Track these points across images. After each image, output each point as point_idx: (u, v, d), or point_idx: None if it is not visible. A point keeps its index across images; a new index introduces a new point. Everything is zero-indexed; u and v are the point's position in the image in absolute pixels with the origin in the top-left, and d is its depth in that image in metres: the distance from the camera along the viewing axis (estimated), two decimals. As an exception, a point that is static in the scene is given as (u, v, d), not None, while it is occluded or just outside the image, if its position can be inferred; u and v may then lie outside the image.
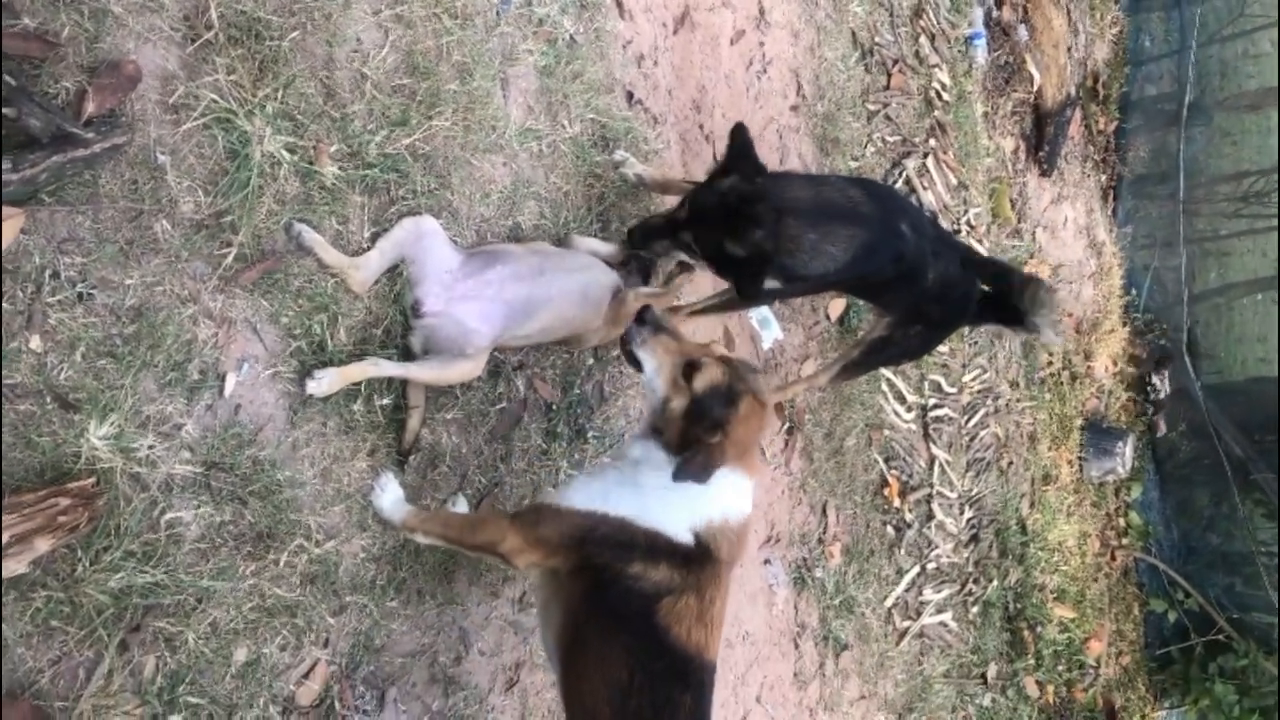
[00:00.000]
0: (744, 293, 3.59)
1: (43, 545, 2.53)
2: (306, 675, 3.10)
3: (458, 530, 3.13)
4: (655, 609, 2.74)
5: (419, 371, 3.29)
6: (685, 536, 2.81)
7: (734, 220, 3.44)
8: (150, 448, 2.79)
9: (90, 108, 2.62)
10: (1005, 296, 4.23)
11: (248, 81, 2.96)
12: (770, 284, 3.58)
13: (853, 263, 3.58)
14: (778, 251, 3.46)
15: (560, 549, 2.88)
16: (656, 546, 2.79)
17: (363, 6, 3.27)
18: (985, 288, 4.26)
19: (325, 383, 3.12)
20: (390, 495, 3.26)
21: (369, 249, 3.24)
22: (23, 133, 2.49)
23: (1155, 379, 8.49)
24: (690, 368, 2.91)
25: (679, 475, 2.75)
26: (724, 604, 2.88)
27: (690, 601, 2.76)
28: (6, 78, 2.41)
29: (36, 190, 2.55)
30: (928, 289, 3.91)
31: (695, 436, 2.84)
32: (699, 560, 2.81)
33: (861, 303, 5.35)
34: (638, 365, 3.07)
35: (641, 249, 3.74)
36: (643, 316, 3.07)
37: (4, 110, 2.42)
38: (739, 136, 3.51)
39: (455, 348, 3.29)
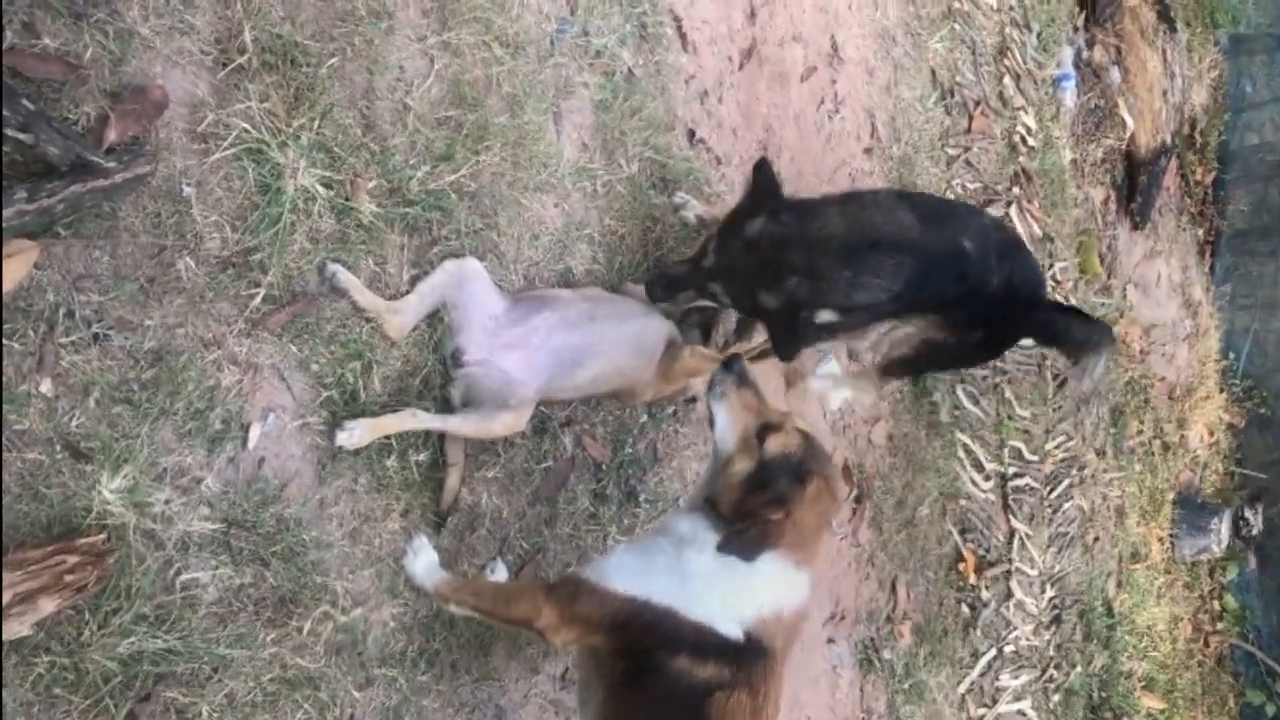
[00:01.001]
0: (782, 350, 3.51)
1: (47, 606, 2.48)
2: (324, 752, 3.02)
3: (491, 602, 3.04)
4: (705, 705, 2.66)
5: (459, 424, 3.21)
6: (735, 632, 2.71)
7: (766, 268, 3.36)
8: (166, 502, 2.75)
9: (112, 135, 2.59)
10: (1071, 322, 4.08)
11: (282, 110, 2.93)
12: (823, 317, 3.48)
13: (906, 289, 3.48)
14: (816, 295, 3.38)
15: (599, 629, 2.81)
16: (704, 642, 2.70)
17: (406, 32, 3.25)
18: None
19: (357, 434, 3.05)
20: (424, 560, 3.18)
21: (407, 292, 3.19)
22: (40, 160, 2.45)
23: (1249, 513, 8.26)
24: (766, 429, 2.83)
25: (725, 547, 2.67)
26: (779, 697, 2.80)
27: (743, 698, 2.68)
28: (24, 101, 2.38)
29: (53, 222, 2.52)
30: (992, 296, 3.75)
31: (752, 508, 2.74)
32: (751, 655, 2.72)
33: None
34: (711, 419, 2.99)
35: (663, 301, 3.62)
36: (729, 364, 3.00)
37: (21, 137, 2.39)
38: (762, 171, 3.43)
39: (498, 399, 3.22)
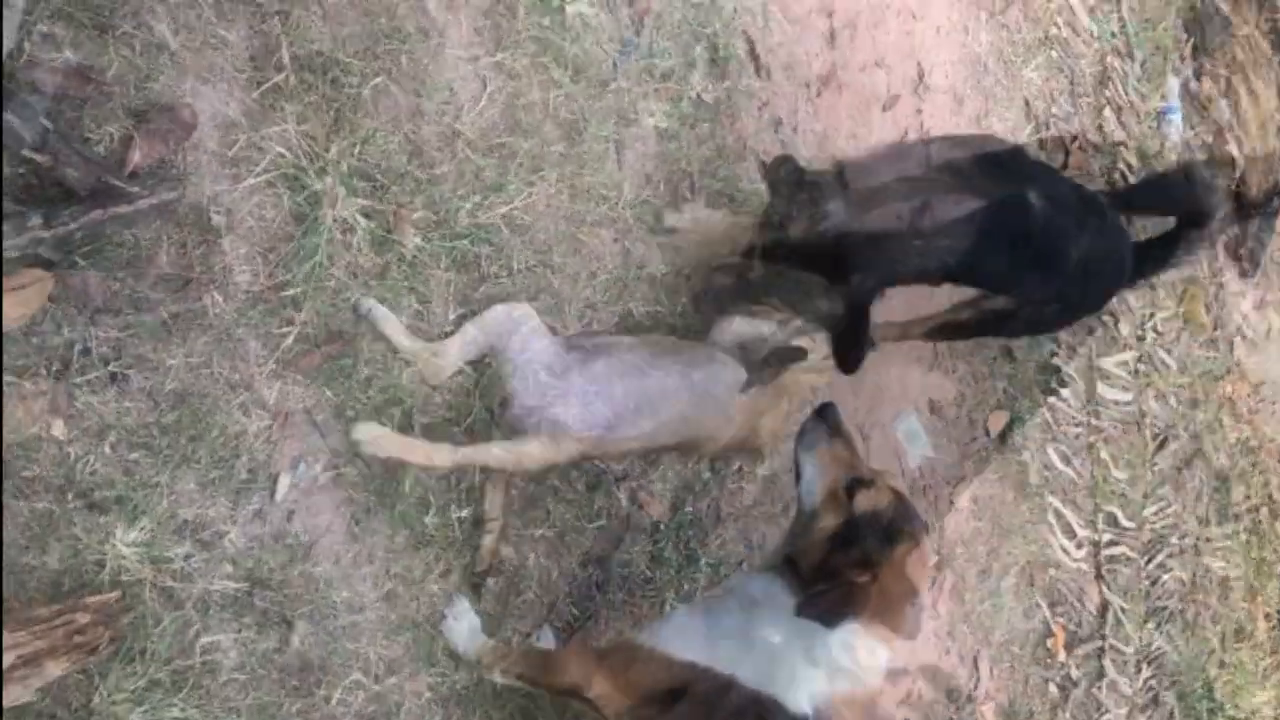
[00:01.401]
0: (848, 359, 3.45)
1: (54, 669, 2.46)
2: (349, 838, 2.99)
3: (538, 669, 3.00)
4: None
5: (486, 452, 3.12)
6: (804, 708, 2.63)
7: (824, 268, 3.30)
8: (186, 558, 2.73)
9: (137, 157, 2.58)
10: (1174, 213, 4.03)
11: (321, 134, 2.91)
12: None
13: (968, 252, 3.36)
14: (883, 283, 3.35)
15: (655, 701, 2.73)
16: (767, 717, 2.63)
17: (457, 52, 3.23)
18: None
19: (382, 444, 3.00)
20: (465, 625, 3.13)
21: (451, 333, 3.14)
22: (58, 184, 2.46)
23: None
24: (855, 484, 2.78)
25: (804, 610, 2.61)
26: None
27: None
28: (43, 120, 2.39)
29: (70, 251, 2.51)
30: (1070, 272, 3.58)
31: (837, 568, 2.68)
32: None
33: (1026, 417, 5.19)
34: (799, 471, 2.95)
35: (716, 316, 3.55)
36: (823, 412, 2.98)
37: (38, 158, 2.41)
38: (781, 171, 3.30)
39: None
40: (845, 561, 2.68)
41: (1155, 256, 4.03)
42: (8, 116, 2.30)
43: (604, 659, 2.84)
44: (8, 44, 2.34)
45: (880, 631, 2.68)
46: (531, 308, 3.22)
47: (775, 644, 2.69)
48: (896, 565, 2.69)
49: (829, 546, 2.74)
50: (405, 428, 3.07)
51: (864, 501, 2.74)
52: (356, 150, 2.97)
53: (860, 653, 2.67)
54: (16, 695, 2.39)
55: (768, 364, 3.59)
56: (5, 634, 2.36)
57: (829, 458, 2.87)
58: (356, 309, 2.98)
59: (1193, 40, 6.60)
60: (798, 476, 2.94)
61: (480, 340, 3.16)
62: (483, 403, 3.20)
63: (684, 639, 2.77)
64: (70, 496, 2.57)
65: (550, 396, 3.12)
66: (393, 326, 3.00)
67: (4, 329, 2.44)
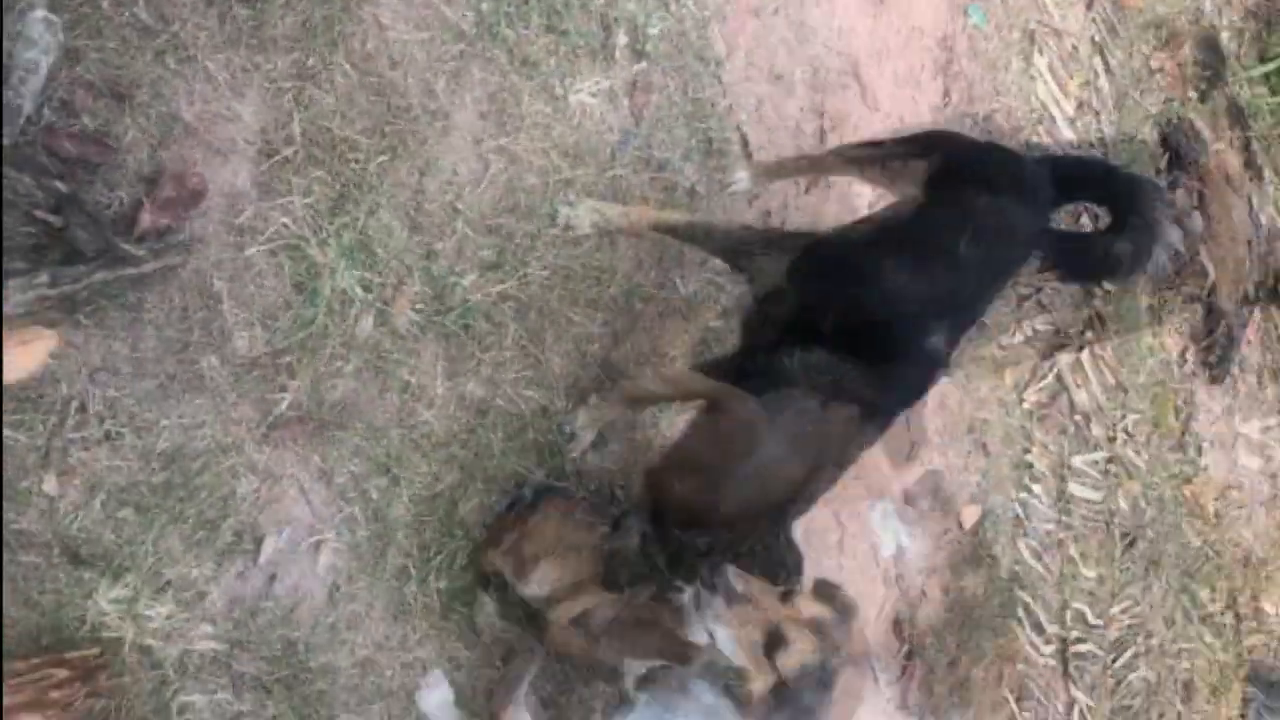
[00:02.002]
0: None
1: None
2: None
3: None
4: None
5: None
6: None
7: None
8: (168, 617, 2.72)
9: (146, 222, 2.61)
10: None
11: (325, 207, 2.94)
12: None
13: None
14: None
15: None
16: None
17: (463, 134, 3.25)
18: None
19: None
20: (438, 697, 3.10)
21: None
22: (68, 244, 2.46)
23: None
24: (775, 642, 2.53)
25: None
26: None
27: None
28: (57, 183, 2.42)
29: (74, 310, 2.52)
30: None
31: None
32: None
33: (999, 511, 5.20)
34: (711, 634, 2.65)
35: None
36: (713, 581, 2.63)
37: (50, 219, 2.43)
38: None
39: None
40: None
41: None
42: (25, 179, 2.32)
43: None
44: (28, 109, 2.37)
45: None
46: None
47: None
48: (838, 702, 2.55)
49: (768, 705, 2.55)
50: (393, 497, 3.08)
51: (789, 662, 2.51)
52: (359, 224, 3.00)
53: None
54: None
55: None
56: None
57: (736, 623, 2.58)
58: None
59: (1168, 155, 6.71)
60: (710, 636, 2.65)
61: None
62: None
63: None
64: (56, 551, 2.56)
65: None
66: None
67: (6, 383, 2.44)
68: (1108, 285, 3.89)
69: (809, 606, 2.64)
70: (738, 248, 3.38)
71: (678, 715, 2.67)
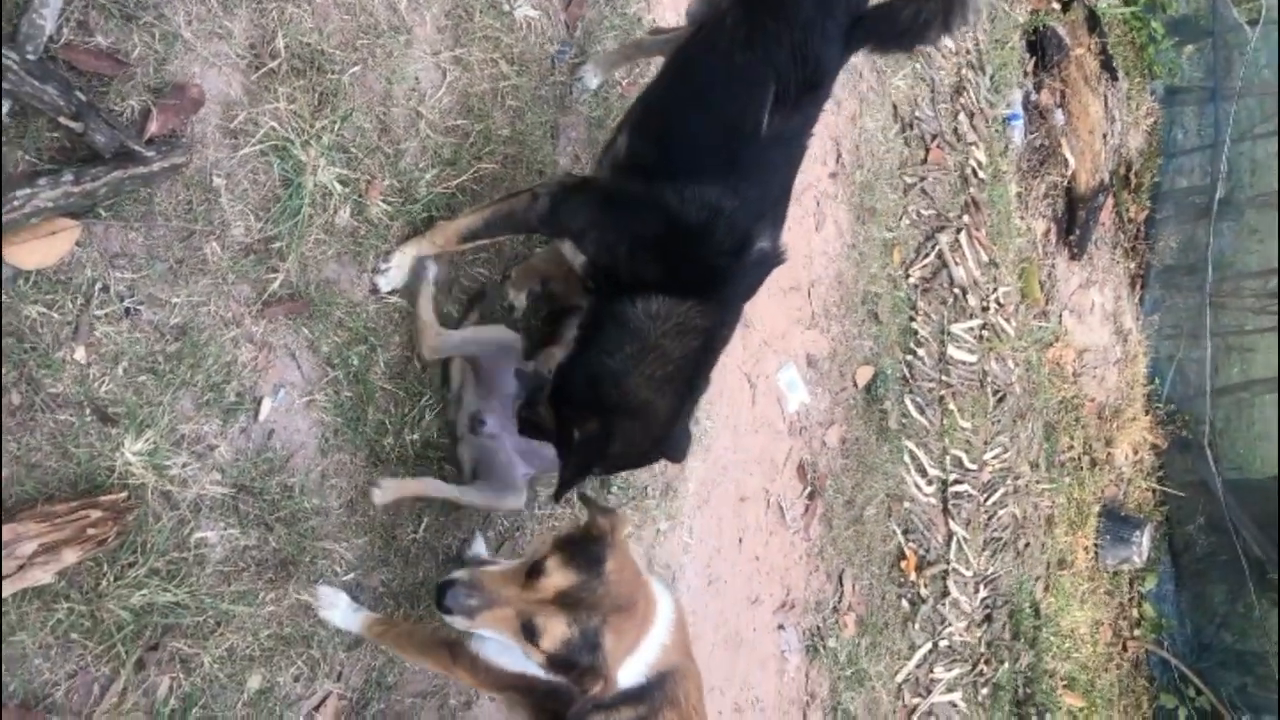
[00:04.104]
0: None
1: (70, 557, 2.53)
2: (318, 708, 3.08)
3: (407, 650, 3.03)
4: None
5: (472, 497, 3.32)
6: (635, 680, 2.57)
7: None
8: (183, 466, 2.80)
9: (153, 127, 2.66)
10: None
11: (307, 112, 3.00)
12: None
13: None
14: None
15: (506, 690, 2.78)
16: (609, 699, 2.54)
17: (423, 47, 3.32)
18: None
19: (389, 492, 3.19)
20: (341, 607, 3.10)
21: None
22: (87, 147, 2.53)
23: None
24: (530, 632, 2.46)
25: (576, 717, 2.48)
26: (700, 687, 2.76)
27: (668, 714, 2.61)
28: (77, 93, 2.45)
29: (95, 204, 2.58)
30: None
31: (573, 687, 2.50)
32: (659, 684, 2.60)
33: (888, 371, 5.40)
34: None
35: None
36: (449, 605, 2.48)
37: (72, 125, 2.46)
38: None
39: (503, 476, 3.32)
40: (576, 682, 2.48)
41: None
42: (49, 89, 2.39)
43: (456, 659, 2.79)
44: (50, 28, 2.42)
45: (634, 638, 2.55)
46: (519, 339, 3.35)
47: None
48: (610, 649, 2.46)
49: (557, 671, 2.51)
50: (371, 363, 3.19)
51: (549, 643, 2.44)
52: (336, 127, 3.07)
53: (647, 642, 2.57)
54: (37, 578, 2.47)
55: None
56: (31, 525, 2.45)
57: (493, 622, 2.49)
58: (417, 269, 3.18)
59: (1035, 59, 6.84)
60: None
61: (474, 347, 3.30)
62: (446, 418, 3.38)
63: (503, 654, 2.69)
64: (88, 411, 2.63)
65: (509, 425, 3.28)
66: (426, 298, 3.17)
67: (39, 269, 2.52)
68: (923, 46, 3.62)
69: (555, 578, 2.48)
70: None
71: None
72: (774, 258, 2.98)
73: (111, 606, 2.65)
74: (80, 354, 2.63)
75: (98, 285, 2.64)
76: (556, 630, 2.43)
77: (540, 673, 2.56)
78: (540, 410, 3.03)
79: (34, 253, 2.51)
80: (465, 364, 3.40)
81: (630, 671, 2.54)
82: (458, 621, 2.49)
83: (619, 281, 2.90)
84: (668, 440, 3.01)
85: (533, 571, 2.48)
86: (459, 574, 2.53)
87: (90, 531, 2.57)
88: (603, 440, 2.87)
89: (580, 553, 2.51)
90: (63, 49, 2.53)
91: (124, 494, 2.68)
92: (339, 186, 3.07)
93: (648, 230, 2.87)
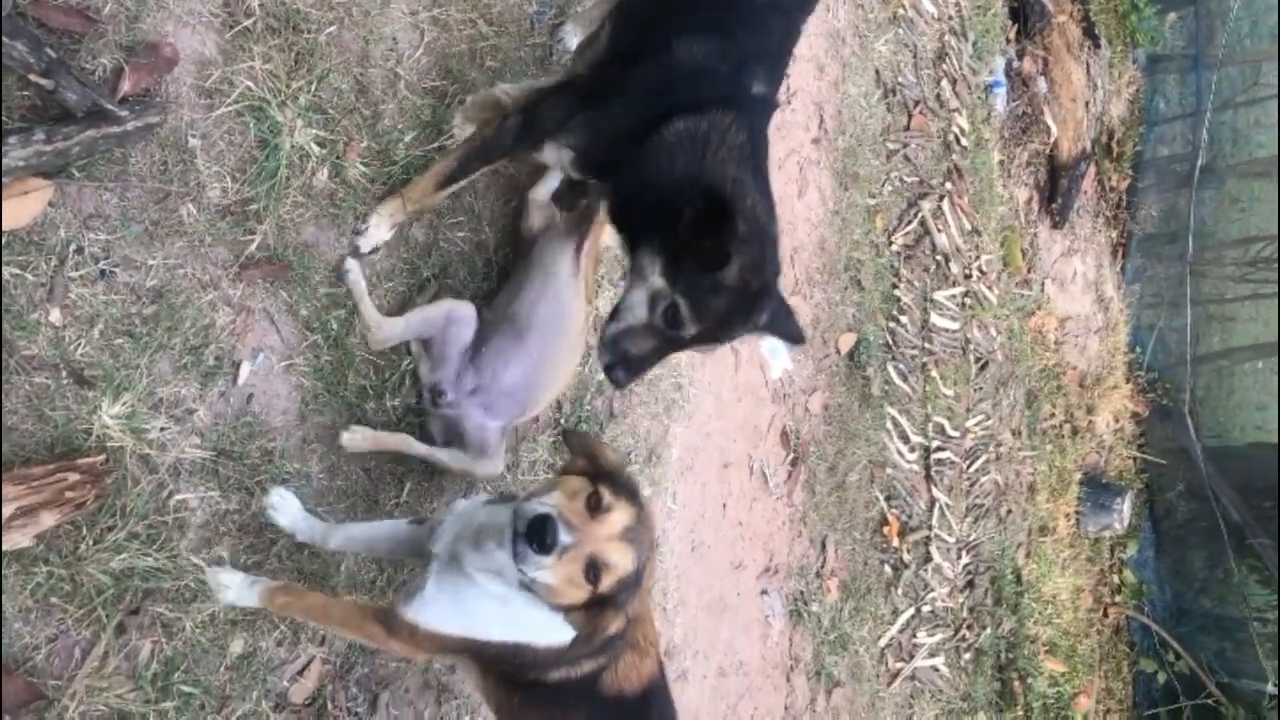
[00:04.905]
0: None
1: (48, 520, 2.51)
2: (301, 672, 3.06)
3: (330, 623, 2.85)
4: (598, 686, 2.57)
5: (446, 459, 3.29)
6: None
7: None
8: (162, 430, 2.78)
9: (126, 86, 2.62)
10: None
11: (282, 72, 2.96)
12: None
13: None
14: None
15: (449, 655, 2.70)
16: (569, 654, 2.50)
17: (401, 6, 3.29)
18: None
19: (358, 439, 3.15)
20: (235, 585, 2.86)
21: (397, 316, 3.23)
22: (59, 106, 2.49)
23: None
24: (593, 570, 2.28)
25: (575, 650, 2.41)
26: (652, 623, 2.75)
27: (628, 658, 2.59)
28: (48, 50, 2.41)
29: (68, 164, 2.55)
30: None
31: (590, 624, 2.34)
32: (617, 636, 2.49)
33: (871, 338, 5.40)
34: (530, 587, 2.34)
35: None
36: (544, 538, 2.24)
37: (43, 82, 2.42)
38: None
39: (477, 439, 3.28)
40: (602, 619, 2.32)
41: None
42: (18, 46, 2.34)
43: (390, 628, 2.63)
44: None
45: None
46: (473, 310, 3.30)
47: (545, 623, 2.39)
48: (641, 595, 2.39)
49: (582, 609, 2.33)
50: (349, 328, 3.16)
51: (609, 581, 2.29)
52: (312, 88, 3.03)
53: None
54: (16, 541, 2.45)
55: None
56: (8, 488, 2.43)
57: (563, 575, 2.27)
58: (338, 268, 3.10)
59: (1017, 25, 6.83)
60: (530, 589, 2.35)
61: (421, 328, 3.25)
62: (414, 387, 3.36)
63: (447, 620, 2.56)
64: (64, 374, 2.61)
65: (466, 392, 3.27)
66: (359, 291, 3.12)
67: (12, 229, 2.49)
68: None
69: (619, 515, 2.33)
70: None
71: (471, 600, 2.55)
72: (771, 103, 2.92)
73: (91, 570, 2.63)
74: (55, 316, 2.60)
75: (72, 246, 2.62)
76: (622, 567, 2.29)
77: (496, 636, 2.49)
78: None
79: (7, 213, 2.47)
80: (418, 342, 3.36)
81: None
82: (544, 563, 2.24)
83: (617, 163, 2.79)
84: (774, 266, 2.71)
85: (592, 505, 2.31)
86: (546, 506, 2.27)
87: (68, 495, 2.55)
88: (726, 206, 2.53)
89: (625, 485, 2.37)
90: (31, 4, 2.49)
91: (102, 457, 2.66)
92: (316, 148, 3.04)
93: (643, 86, 2.77)
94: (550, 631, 2.42)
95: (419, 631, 2.58)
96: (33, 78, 2.41)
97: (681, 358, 4.22)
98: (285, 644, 3.03)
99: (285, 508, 2.98)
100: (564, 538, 2.23)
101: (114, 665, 2.69)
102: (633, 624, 2.47)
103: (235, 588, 2.84)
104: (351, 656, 3.18)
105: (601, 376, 3.92)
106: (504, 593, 2.45)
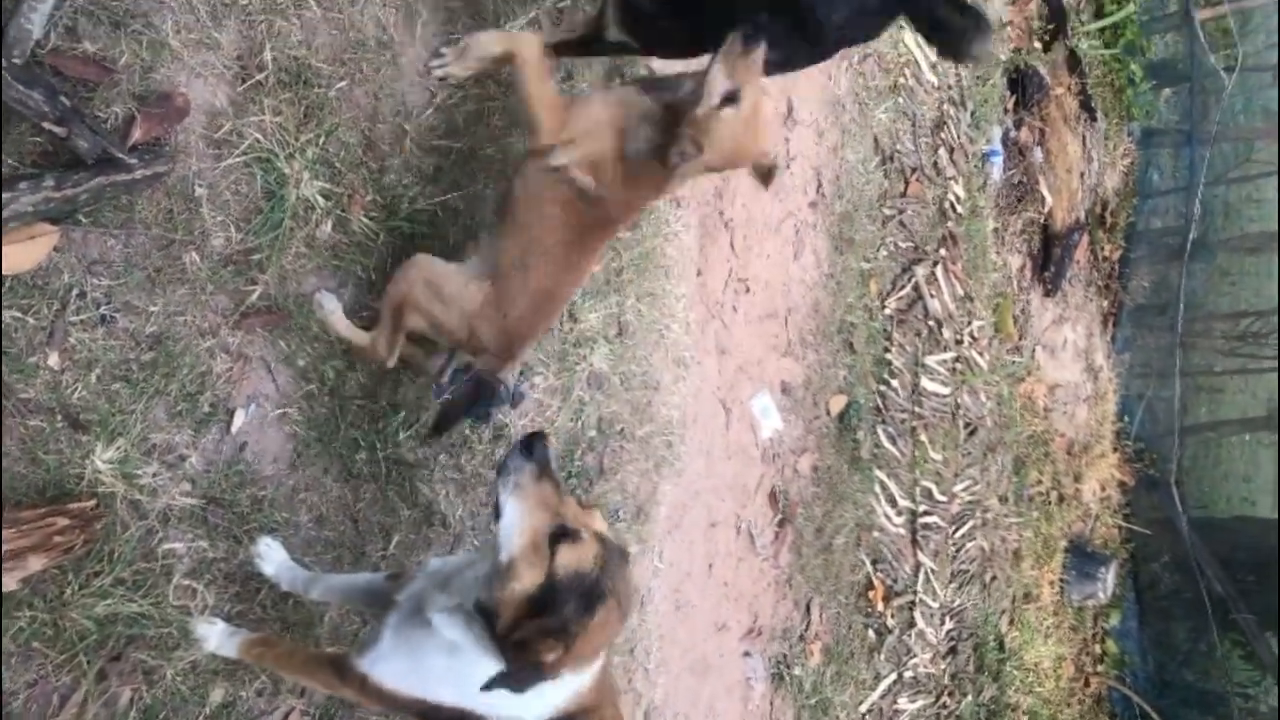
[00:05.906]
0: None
1: (35, 564, 2.51)
2: (280, 724, 3.04)
3: (293, 670, 2.82)
4: None
5: None
6: (547, 713, 2.41)
7: None
8: (153, 476, 2.79)
9: (137, 134, 2.65)
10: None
11: (292, 125, 3.00)
12: None
13: None
14: None
15: (398, 711, 2.60)
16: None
17: (413, 65, 3.31)
18: None
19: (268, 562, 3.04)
20: (215, 635, 2.87)
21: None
22: (70, 152, 2.51)
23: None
24: (560, 536, 2.22)
25: (491, 685, 2.18)
26: (617, 706, 2.66)
27: None
28: (62, 98, 2.44)
29: (75, 210, 2.57)
30: None
31: (529, 639, 2.19)
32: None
33: (861, 401, 5.41)
34: (498, 510, 2.29)
35: None
36: (530, 446, 2.29)
37: (56, 130, 2.45)
38: None
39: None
40: (539, 631, 2.19)
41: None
42: (34, 94, 2.37)
43: (345, 680, 2.58)
44: (37, 33, 2.40)
45: (569, 675, 2.31)
46: None
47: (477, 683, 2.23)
48: (593, 629, 2.23)
49: (526, 609, 2.21)
50: (345, 379, 3.18)
51: (568, 559, 2.20)
52: (321, 141, 3.06)
53: (567, 683, 2.35)
54: (2, 584, 2.44)
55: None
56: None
57: (535, 500, 2.26)
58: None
59: (1015, 96, 6.90)
60: (496, 515, 2.29)
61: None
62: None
63: (401, 678, 2.49)
64: (59, 417, 2.61)
65: None
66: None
67: (15, 273, 2.51)
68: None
69: (600, 522, 2.35)
70: None
71: (425, 655, 2.47)
72: None
73: (75, 615, 2.63)
74: (54, 360, 2.62)
75: (74, 291, 2.64)
76: (584, 553, 2.22)
77: (446, 699, 2.41)
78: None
79: (11, 257, 2.49)
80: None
81: (550, 696, 2.36)
82: (526, 470, 2.26)
83: None
84: None
85: (582, 505, 2.35)
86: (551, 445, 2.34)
87: (57, 539, 2.55)
88: None
89: (617, 545, 2.35)
90: (50, 54, 2.53)
91: (92, 502, 2.67)
92: (322, 200, 3.07)
93: None
94: (501, 709, 2.35)
95: (369, 684, 2.52)
96: (46, 125, 2.44)
97: (673, 414, 4.24)
98: (265, 694, 3.02)
99: (271, 556, 2.99)
100: (550, 465, 2.29)
101: (93, 712, 2.68)
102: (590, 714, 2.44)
103: (216, 637, 2.84)
104: (330, 709, 3.16)
105: (593, 434, 3.97)
106: (460, 638, 2.36)
